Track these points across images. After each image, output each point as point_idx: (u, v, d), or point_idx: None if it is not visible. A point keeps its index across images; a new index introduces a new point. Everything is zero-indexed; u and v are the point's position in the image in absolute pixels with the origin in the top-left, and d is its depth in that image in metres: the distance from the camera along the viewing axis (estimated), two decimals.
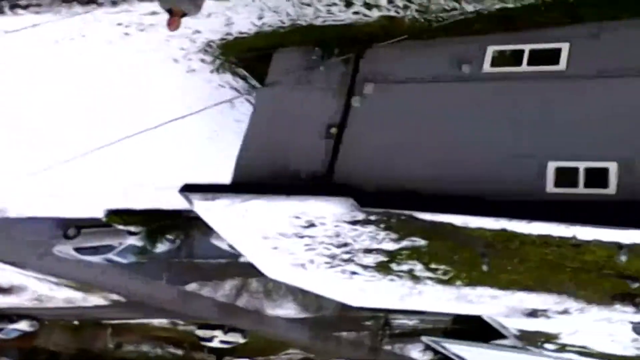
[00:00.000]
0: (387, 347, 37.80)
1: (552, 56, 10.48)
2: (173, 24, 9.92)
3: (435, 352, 36.20)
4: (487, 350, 27.40)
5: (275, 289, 28.08)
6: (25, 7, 12.60)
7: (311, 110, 12.26)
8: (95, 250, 25.71)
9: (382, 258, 12.72)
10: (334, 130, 11.97)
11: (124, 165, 19.54)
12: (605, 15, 10.09)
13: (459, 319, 29.18)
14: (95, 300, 37.28)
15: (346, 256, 12.95)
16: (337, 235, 12.19)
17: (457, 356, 30.65)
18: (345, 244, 12.45)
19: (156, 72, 14.56)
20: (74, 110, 16.69)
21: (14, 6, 12.67)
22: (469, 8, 10.80)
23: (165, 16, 10.29)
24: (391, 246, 12.09)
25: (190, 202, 12.06)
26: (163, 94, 15.36)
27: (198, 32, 12.91)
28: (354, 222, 11.55)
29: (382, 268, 13.16)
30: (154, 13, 12.29)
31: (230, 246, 23.98)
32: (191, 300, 31.58)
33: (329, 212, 11.38)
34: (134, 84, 15.31)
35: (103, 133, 17.40)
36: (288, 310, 31.69)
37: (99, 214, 24.15)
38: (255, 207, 11.74)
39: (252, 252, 13.83)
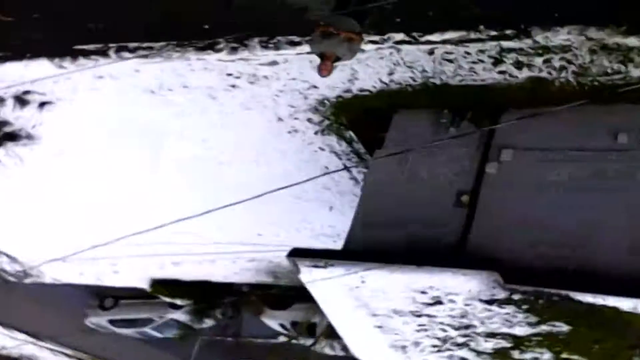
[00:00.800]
0: None
1: None
2: (325, 70, 9.06)
3: None
4: None
5: None
6: (133, 51, 11.66)
7: (438, 176, 11.29)
8: (131, 323, 24.27)
9: (504, 344, 11.47)
10: (465, 198, 10.97)
11: (180, 230, 18.38)
12: None
13: None
14: None
15: (462, 340, 11.70)
16: (463, 316, 10.98)
17: None
18: (468, 326, 11.23)
19: (254, 130, 13.58)
20: (149, 166, 15.67)
21: (120, 49, 11.73)
22: (636, 73, 9.84)
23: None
24: (524, 331, 10.87)
25: (297, 268, 10.89)
26: (256, 155, 14.38)
27: (315, 87, 11.96)
28: (491, 302, 10.38)
29: (500, 356, 11.88)
30: (273, 63, 11.39)
31: (282, 326, 22.65)
32: None
33: (466, 287, 10.22)
34: (223, 142, 14.35)
35: (171, 195, 16.40)
36: None
37: (142, 284, 22.86)
38: (375, 278, 10.59)
39: (347, 328, 12.56)
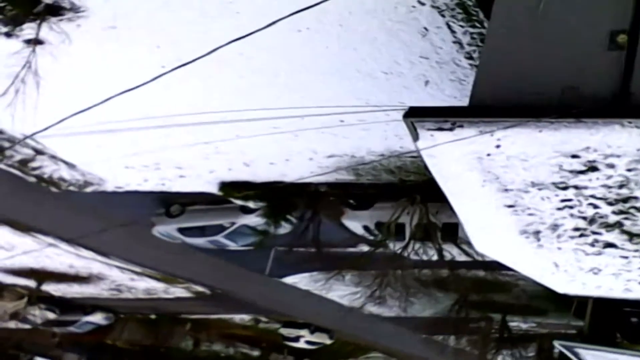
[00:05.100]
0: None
1: None
2: None
3: None
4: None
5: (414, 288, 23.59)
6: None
7: (585, 12, 8.96)
8: (202, 232, 22.47)
9: None
10: (622, 37, 8.65)
11: (251, 126, 16.35)
12: None
13: (597, 323, 25.63)
14: (177, 292, 34.45)
15: (615, 218, 9.51)
16: (622, 186, 8.77)
17: None
18: (626, 199, 9.02)
19: None
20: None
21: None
22: None
23: None
24: None
25: (414, 132, 8.68)
26: (338, 18, 12.11)
27: None
28: None
29: None
30: None
31: (366, 228, 20.49)
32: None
33: (635, 145, 7.96)
34: None
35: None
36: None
37: (211, 187, 21.01)
38: (514, 140, 8.39)
39: (469, 211, 10.42)
